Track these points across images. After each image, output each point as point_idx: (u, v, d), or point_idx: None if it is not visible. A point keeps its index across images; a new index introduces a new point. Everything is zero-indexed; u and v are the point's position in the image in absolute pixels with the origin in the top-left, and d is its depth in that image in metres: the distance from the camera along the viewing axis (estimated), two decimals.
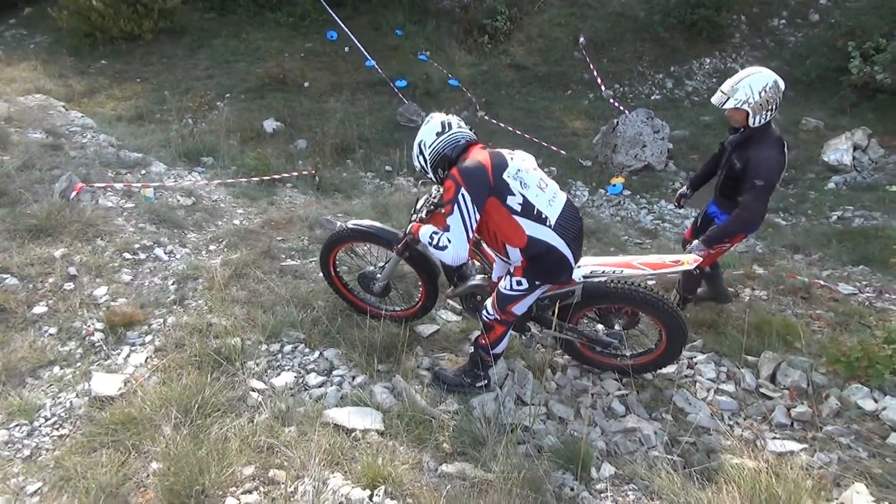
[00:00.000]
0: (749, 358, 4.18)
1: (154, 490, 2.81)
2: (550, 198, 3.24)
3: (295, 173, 7.59)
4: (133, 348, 3.88)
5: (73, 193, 5.16)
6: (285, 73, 11.27)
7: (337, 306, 4.37)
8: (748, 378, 4.00)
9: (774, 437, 3.51)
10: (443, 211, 3.17)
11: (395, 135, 9.91)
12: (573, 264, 3.33)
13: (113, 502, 2.77)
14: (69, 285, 4.28)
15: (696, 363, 4.19)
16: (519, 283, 3.35)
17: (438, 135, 3.25)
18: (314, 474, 2.77)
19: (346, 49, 12.43)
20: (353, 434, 3.22)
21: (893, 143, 9.74)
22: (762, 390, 3.92)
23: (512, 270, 3.39)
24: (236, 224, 5.69)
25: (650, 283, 3.69)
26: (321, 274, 4.38)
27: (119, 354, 3.82)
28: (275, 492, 2.77)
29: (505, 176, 3.10)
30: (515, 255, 3.27)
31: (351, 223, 4.13)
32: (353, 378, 3.76)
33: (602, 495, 3.03)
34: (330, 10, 12.80)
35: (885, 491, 2.90)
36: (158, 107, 10.05)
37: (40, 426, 3.37)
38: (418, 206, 3.77)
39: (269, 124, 9.74)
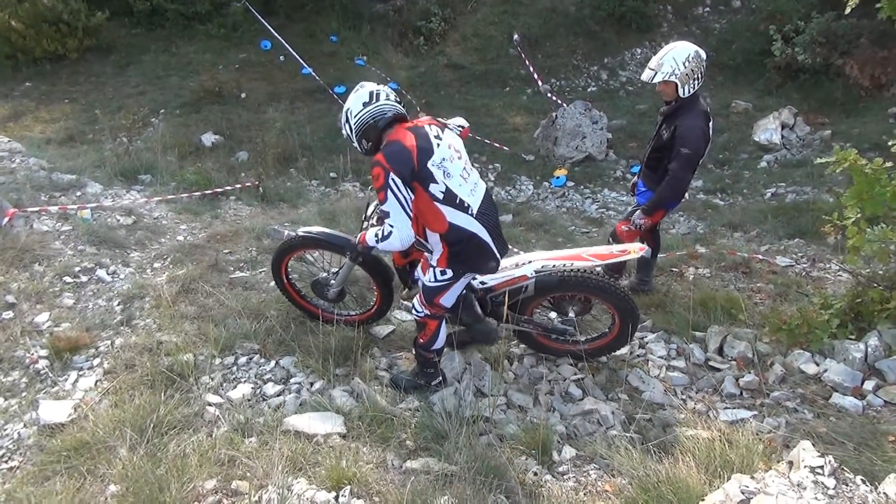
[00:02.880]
0: (696, 333, 4.33)
1: None
2: (472, 187, 3.29)
3: (238, 185, 7.48)
4: (81, 373, 3.78)
5: (6, 219, 4.98)
6: (220, 86, 11.07)
7: (290, 314, 4.33)
8: (697, 353, 4.14)
9: (726, 407, 3.64)
10: (377, 199, 3.19)
11: (338, 141, 9.82)
12: (496, 252, 3.39)
13: None
14: (8, 314, 4.13)
15: (646, 342, 4.30)
16: (443, 272, 3.38)
17: (365, 105, 3.18)
18: (278, 482, 2.75)
19: (282, 58, 12.28)
20: (314, 439, 3.20)
21: (818, 120, 10.19)
22: (711, 363, 4.07)
23: (434, 262, 3.41)
24: (180, 240, 5.57)
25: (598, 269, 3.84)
26: (273, 283, 4.34)
27: (66, 380, 3.71)
28: (239, 502, 2.74)
29: (429, 164, 3.12)
30: (435, 239, 3.32)
31: (301, 231, 4.11)
32: (311, 384, 3.75)
33: (565, 477, 3.10)
34: (262, 20, 12.64)
35: (830, 448, 3.04)
36: (90, 127, 9.75)
37: None
38: (369, 213, 3.79)
39: (208, 138, 9.56)
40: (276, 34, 12.34)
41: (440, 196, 3.15)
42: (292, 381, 3.78)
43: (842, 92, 10.49)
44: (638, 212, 4.55)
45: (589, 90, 12.29)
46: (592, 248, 3.80)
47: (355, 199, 8.02)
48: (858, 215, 3.79)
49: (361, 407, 3.44)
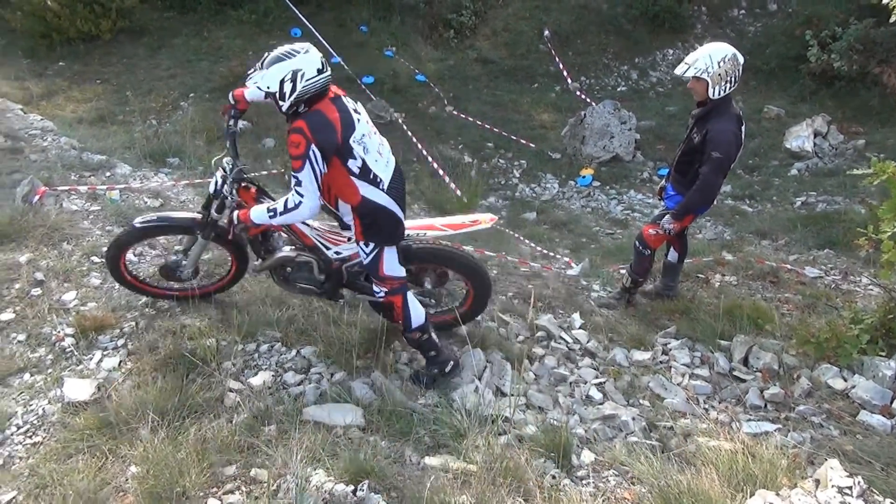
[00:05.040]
0: (722, 342, 4.27)
1: (133, 494, 2.77)
2: (385, 162, 3.35)
3: (264, 172, 7.50)
4: (105, 353, 3.81)
5: (36, 198, 5.04)
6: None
7: (313, 304, 4.33)
8: (721, 362, 4.08)
9: (749, 419, 3.59)
10: (291, 165, 3.15)
11: None
12: (403, 221, 3.46)
13: None
14: (36, 291, 4.18)
15: (670, 349, 4.26)
16: (367, 245, 3.46)
17: (319, 72, 3.12)
18: (296, 472, 2.75)
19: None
20: (334, 430, 3.20)
21: (852, 129, 10.00)
22: (735, 373, 4.01)
23: (354, 237, 3.47)
24: None
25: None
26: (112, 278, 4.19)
27: (91, 359, 3.75)
28: (257, 490, 2.75)
29: (351, 140, 3.15)
30: (346, 210, 3.38)
31: (138, 222, 3.96)
32: (332, 375, 3.74)
33: (584, 482, 3.07)
34: (293, 7, 12.65)
35: (857, 467, 2.98)
36: (121, 108, 9.84)
37: (12, 434, 3.29)
38: (220, 190, 3.67)
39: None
40: (307, 22, 12.34)
41: (356, 171, 3.21)
42: (313, 370, 3.78)
43: (878, 101, 10.29)
44: (667, 216, 4.49)
45: (618, 90, 12.18)
46: (446, 217, 3.91)
47: None
48: (895, 230, 3.70)
49: (381, 400, 3.44)
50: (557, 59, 12.45)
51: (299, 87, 3.09)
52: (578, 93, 11.79)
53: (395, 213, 3.38)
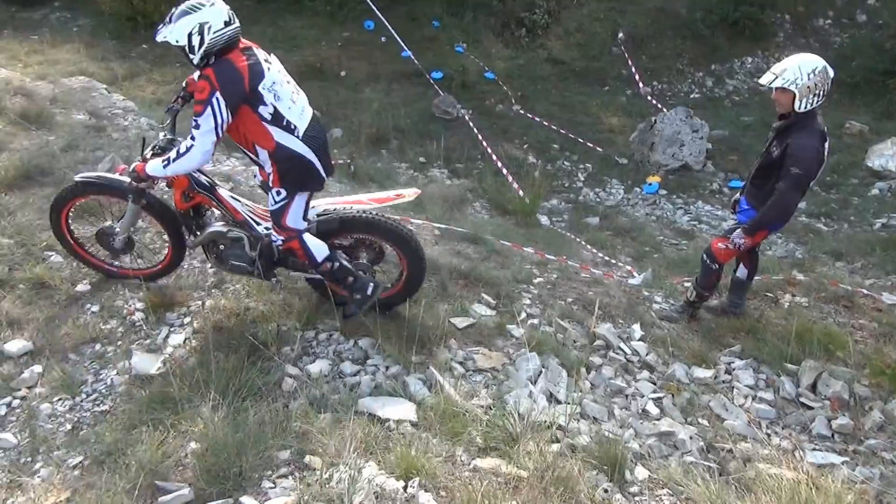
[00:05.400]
0: (789, 366, 4.11)
1: (192, 470, 2.85)
2: (300, 111, 3.44)
3: (332, 162, 7.61)
4: (172, 329, 3.94)
5: (116, 175, 5.22)
6: (322, 62, 11.31)
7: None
8: (788, 386, 3.93)
9: (814, 448, 3.45)
10: (194, 110, 3.19)
11: (430, 126, 9.89)
12: (322, 173, 3.55)
13: (152, 480, 2.81)
14: (115, 264, 4.34)
15: (734, 369, 4.12)
16: (279, 192, 3.50)
17: (227, 24, 3.20)
18: (349, 462, 2.78)
19: (383, 39, 12.41)
20: (386, 424, 3.22)
21: None
22: (802, 399, 3.85)
23: (270, 184, 3.51)
24: None
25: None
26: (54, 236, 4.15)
27: (159, 335, 3.88)
28: (310, 477, 2.78)
29: (260, 88, 3.23)
30: (264, 156, 3.44)
31: (78, 176, 3.97)
32: (387, 368, 3.77)
33: (636, 498, 3.00)
34: (368, 1, 12.80)
35: None
36: None
37: (82, 401, 3.45)
38: (146, 152, 3.67)
39: None
40: (381, 15, 12.46)
41: (268, 117, 3.29)
42: (369, 362, 3.81)
43: None
44: (738, 230, 4.34)
45: (692, 97, 11.87)
46: (372, 193, 4.01)
47: (443, 186, 8.05)
48: None
49: (435, 398, 3.44)
50: (630, 62, 12.21)
51: (207, 39, 3.17)
52: (650, 98, 11.54)
53: (310, 161, 3.47)
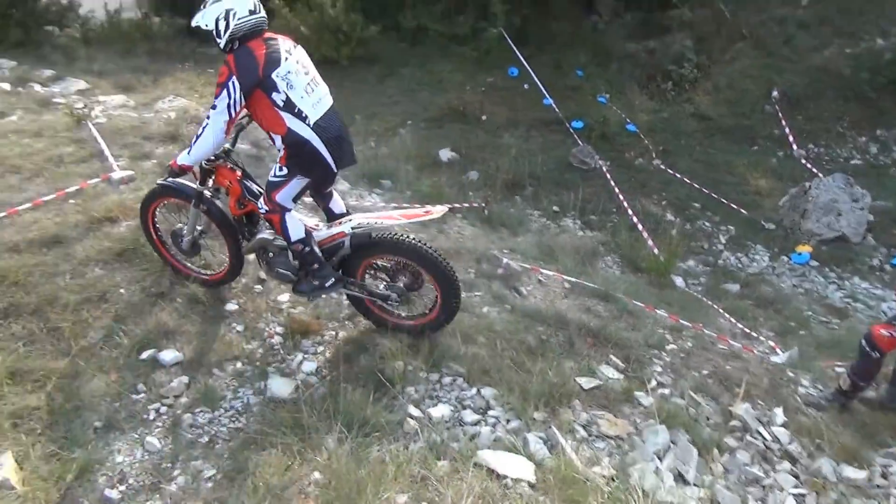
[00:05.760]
0: None
1: (315, 500, 2.93)
2: (315, 101, 3.65)
3: (466, 204, 7.75)
4: (306, 356, 4.11)
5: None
6: (465, 105, 11.60)
7: (499, 344, 4.36)
8: None
9: None
10: (214, 92, 3.50)
11: (566, 175, 9.83)
12: (331, 163, 3.74)
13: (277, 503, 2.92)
14: (258, 288, 4.62)
15: (892, 473, 3.70)
16: (280, 169, 3.75)
17: (251, 13, 3.53)
18: None
19: (526, 86, 12.58)
20: (504, 480, 3.17)
21: None
22: None
23: (277, 160, 3.78)
24: None
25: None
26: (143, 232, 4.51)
27: (294, 360, 4.07)
28: None
29: (274, 75, 3.49)
30: (278, 141, 3.70)
31: (160, 180, 4.33)
32: (508, 421, 3.73)
33: None
34: (514, 47, 13.06)
35: None
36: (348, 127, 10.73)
37: (220, 416, 3.66)
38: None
39: (445, 153, 10.06)
40: (525, 62, 12.67)
41: (280, 104, 3.53)
42: (490, 413, 3.79)
43: None
44: None
45: (852, 163, 11.01)
46: (404, 209, 4.26)
47: (575, 237, 7.94)
48: None
49: (555, 459, 3.35)
50: (784, 121, 11.55)
51: (231, 25, 3.50)
52: (804, 161, 10.83)
53: (318, 149, 3.64)
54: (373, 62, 13.53)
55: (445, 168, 9.53)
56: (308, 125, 3.61)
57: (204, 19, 3.59)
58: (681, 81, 12.62)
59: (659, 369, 4.53)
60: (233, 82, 3.43)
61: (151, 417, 3.58)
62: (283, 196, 3.78)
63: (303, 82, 3.62)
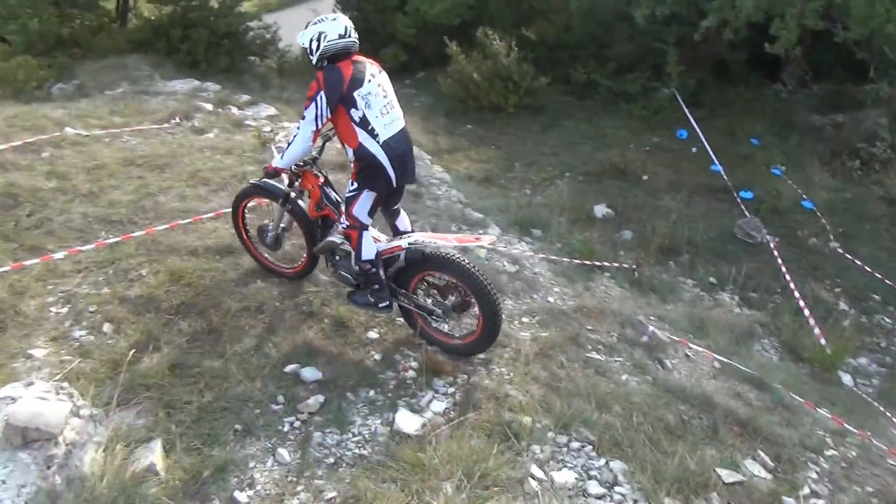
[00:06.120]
0: None
1: None
2: (388, 122, 3.99)
3: (616, 264, 7.52)
4: (436, 396, 4.12)
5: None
6: (627, 163, 11.37)
7: (635, 417, 4.12)
8: None
9: None
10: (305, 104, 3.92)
11: (728, 247, 9.26)
12: (393, 178, 4.05)
13: None
14: (400, 320, 4.73)
15: None
16: (352, 184, 4.11)
17: (341, 36, 3.92)
18: None
19: (694, 150, 12.12)
20: None
21: None
22: None
23: (351, 179, 4.13)
24: (550, 301, 5.79)
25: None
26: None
27: (424, 397, 4.09)
28: None
29: (356, 94, 3.86)
30: (350, 153, 4.05)
31: (251, 180, 4.96)
32: (635, 502, 3.48)
33: None
34: (686, 109, 12.67)
35: None
36: (504, 174, 10.89)
37: (347, 440, 3.73)
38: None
39: (600, 209, 9.87)
40: (696, 125, 12.24)
41: (357, 120, 3.90)
42: (617, 489, 3.57)
43: None
44: None
45: None
46: (457, 234, 4.80)
47: (730, 314, 7.42)
48: None
49: None
50: None
51: (322, 45, 3.91)
52: None
53: (383, 165, 3.98)
54: (538, 112, 13.70)
55: (599, 224, 9.33)
56: (377, 142, 3.95)
57: (302, 39, 4.01)
58: (870, 161, 11.58)
59: (814, 476, 4.06)
60: (320, 96, 3.82)
61: (286, 430, 3.74)
62: (358, 209, 4.13)
63: (380, 104, 3.98)
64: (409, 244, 4.18)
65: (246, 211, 4.97)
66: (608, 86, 13.86)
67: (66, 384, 3.02)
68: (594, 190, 10.56)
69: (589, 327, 5.36)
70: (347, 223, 4.18)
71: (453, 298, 4.28)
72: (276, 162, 4.24)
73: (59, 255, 5.06)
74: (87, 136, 7.46)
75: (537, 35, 14.47)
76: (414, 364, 4.35)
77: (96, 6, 14.60)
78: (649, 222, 9.41)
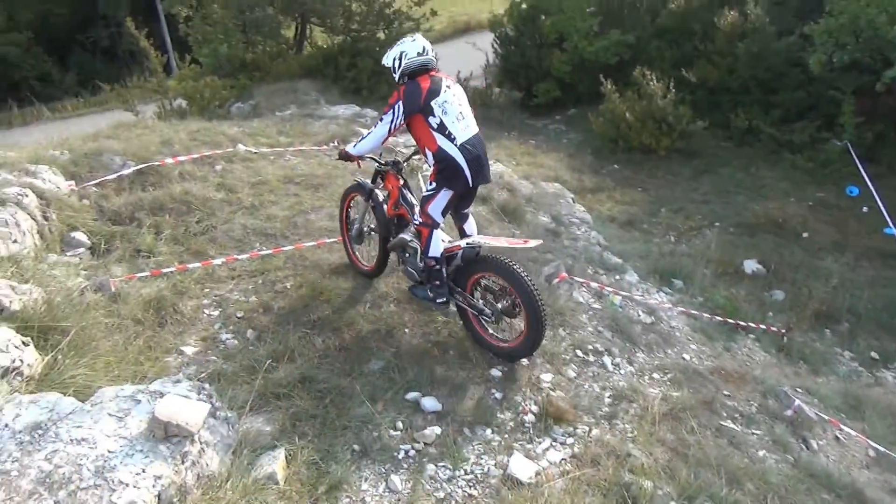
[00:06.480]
0: None
1: None
2: (464, 127, 4.37)
3: (762, 326, 6.99)
4: (554, 444, 4.01)
5: (556, 280, 5.69)
6: (785, 218, 10.59)
7: (769, 500, 3.78)
8: None
9: None
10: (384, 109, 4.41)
11: None
12: (469, 178, 4.36)
13: None
14: (524, 361, 4.67)
15: None
16: (431, 184, 4.46)
17: (419, 54, 4.41)
18: None
19: (865, 209, 11.08)
20: None
21: None
22: None
23: (428, 176, 4.54)
24: (685, 359, 5.48)
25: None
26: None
27: (540, 444, 3.99)
28: None
29: (433, 103, 4.29)
30: (430, 157, 4.41)
31: (354, 177, 5.72)
32: None
33: None
34: (859, 165, 11.64)
35: None
36: (648, 218, 10.53)
37: (459, 477, 3.71)
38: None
39: (750, 265, 9.24)
40: (870, 183, 11.20)
41: (435, 126, 4.30)
42: None
43: None
44: None
45: None
46: (509, 237, 5.20)
47: (892, 396, 6.64)
48: None
49: None
50: None
51: (403, 63, 4.41)
52: None
53: (460, 165, 4.31)
54: (691, 157, 13.18)
55: (747, 281, 8.74)
56: (455, 145, 4.32)
57: (386, 58, 4.50)
58: None
59: None
60: (398, 106, 4.31)
61: (400, 457, 3.78)
62: (433, 207, 4.45)
63: (455, 111, 4.36)
64: (467, 244, 4.52)
65: (350, 207, 5.49)
66: (771, 134, 13.05)
67: (207, 385, 3.24)
68: (745, 243, 9.92)
69: (726, 392, 5.01)
70: (421, 220, 4.52)
71: (505, 303, 4.46)
72: (349, 148, 4.75)
73: (218, 261, 5.50)
74: (255, 152, 8.11)
75: (698, 77, 13.97)
76: (534, 408, 4.27)
77: (278, 34, 15.92)
78: (805, 284, 8.68)
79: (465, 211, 4.85)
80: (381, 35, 15.52)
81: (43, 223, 5.39)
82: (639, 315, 5.96)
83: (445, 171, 4.37)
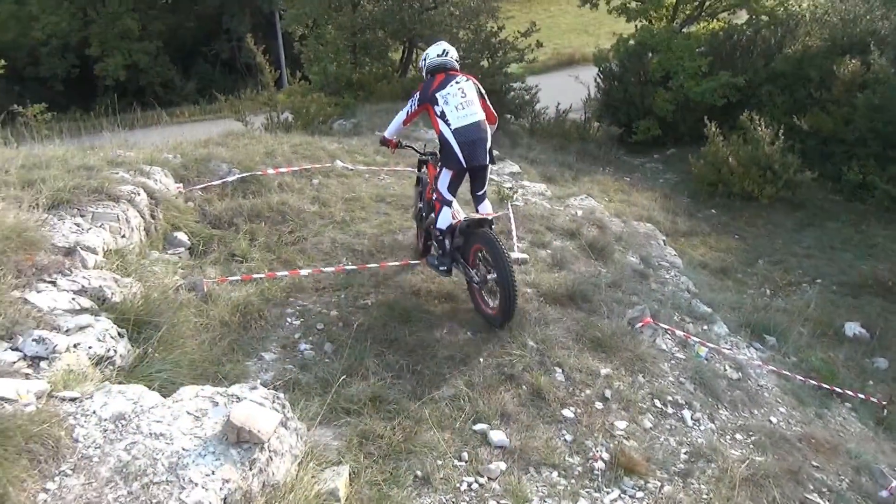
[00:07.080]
0: None
1: None
2: (463, 115, 5.07)
3: (861, 395, 6.50)
4: (622, 496, 3.86)
5: (640, 324, 5.51)
6: (895, 280, 9.87)
7: None
8: None
9: None
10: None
11: None
12: (461, 158, 5.06)
13: None
14: (599, 405, 4.54)
15: None
16: (438, 164, 5.38)
17: (438, 56, 5.40)
18: None
19: None
20: None
21: None
22: None
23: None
24: (772, 422, 5.16)
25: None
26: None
27: (608, 494, 3.85)
28: None
29: (438, 94, 5.14)
30: (437, 139, 5.24)
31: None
32: None
33: None
34: None
35: None
36: (743, 268, 10.06)
37: None
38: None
39: (852, 328, 8.63)
40: None
41: (438, 113, 5.13)
42: None
43: None
44: None
45: None
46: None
47: None
48: None
49: None
50: None
51: (427, 62, 5.45)
52: None
53: (454, 148, 5.05)
54: (796, 208, 12.56)
55: (848, 344, 8.16)
56: (450, 129, 5.06)
57: (420, 62, 5.60)
58: None
59: None
60: (416, 95, 5.32)
61: (463, 488, 3.73)
62: (440, 184, 5.22)
63: (456, 102, 5.10)
64: (465, 219, 5.08)
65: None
66: (888, 190, 12.23)
67: (281, 395, 3.32)
68: (848, 304, 9.30)
69: (815, 463, 4.68)
70: (435, 196, 5.28)
71: (493, 275, 4.93)
72: (386, 133, 5.71)
73: (305, 272, 5.67)
74: (351, 169, 8.35)
75: (811, 125, 13.31)
76: (605, 455, 4.13)
77: (385, 57, 16.44)
78: None
79: (480, 193, 5.46)
80: (484, 63, 15.71)
81: (150, 221, 5.74)
82: (725, 370, 5.68)
83: (443, 151, 5.21)
